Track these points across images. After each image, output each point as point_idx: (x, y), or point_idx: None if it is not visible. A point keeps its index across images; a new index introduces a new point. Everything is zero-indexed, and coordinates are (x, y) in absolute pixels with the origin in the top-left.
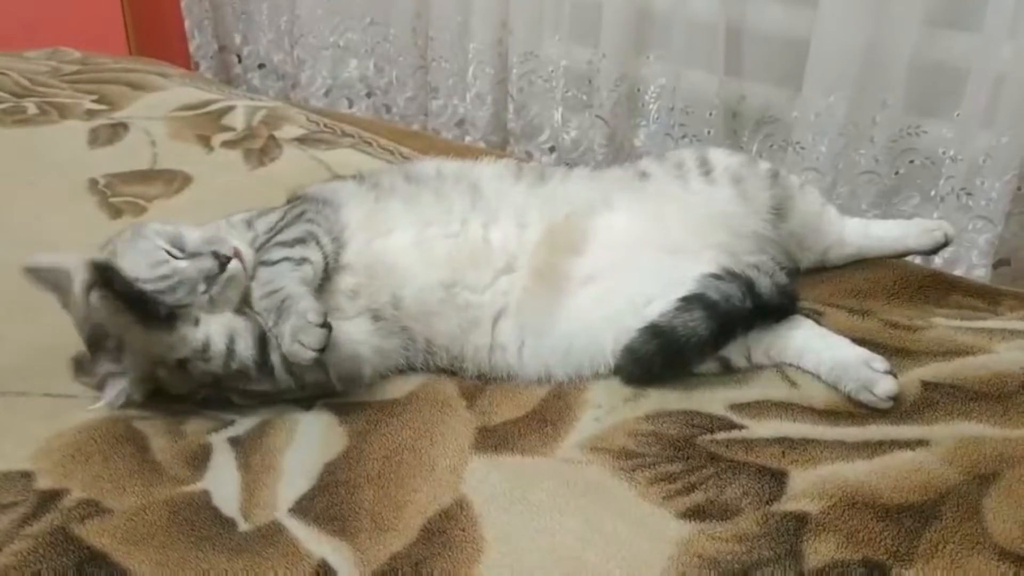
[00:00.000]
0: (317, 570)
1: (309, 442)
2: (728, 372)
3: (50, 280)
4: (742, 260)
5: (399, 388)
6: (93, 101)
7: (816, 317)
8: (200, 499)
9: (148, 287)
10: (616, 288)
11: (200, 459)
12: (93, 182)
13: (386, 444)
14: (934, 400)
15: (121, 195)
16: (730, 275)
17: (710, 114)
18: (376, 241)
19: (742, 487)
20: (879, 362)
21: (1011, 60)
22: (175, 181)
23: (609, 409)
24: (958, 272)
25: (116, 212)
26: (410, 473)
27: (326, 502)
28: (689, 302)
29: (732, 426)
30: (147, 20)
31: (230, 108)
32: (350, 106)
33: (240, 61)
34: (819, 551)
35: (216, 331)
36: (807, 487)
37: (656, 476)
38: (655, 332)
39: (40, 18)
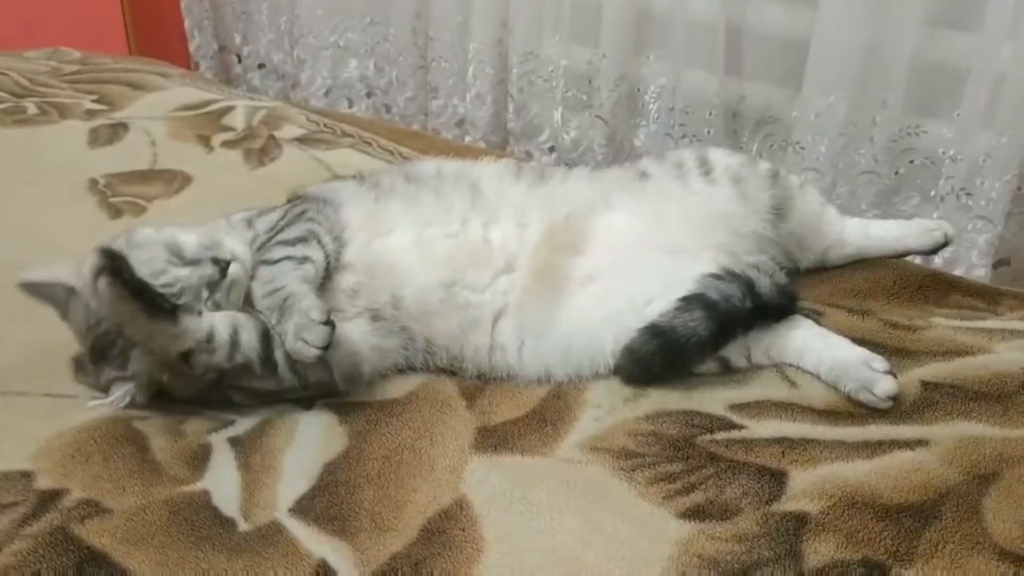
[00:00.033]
0: (317, 570)
1: (309, 442)
2: (728, 372)
3: (46, 294)
4: (742, 260)
5: (399, 388)
6: (93, 101)
7: (816, 317)
8: (200, 499)
9: None
10: (616, 288)
11: (200, 459)
12: (93, 182)
13: (386, 444)
14: (934, 400)
15: (121, 195)
16: (730, 275)
17: (710, 114)
18: (376, 241)
19: (742, 487)
20: (879, 362)
21: (1011, 60)
22: (175, 181)
23: (609, 409)
24: (958, 272)
25: (116, 212)
26: (410, 473)
27: (326, 502)
28: (689, 302)
29: (732, 426)
30: (147, 20)
31: (230, 108)
32: (350, 106)
33: (240, 61)
34: (819, 551)
35: (220, 321)
36: (807, 487)
37: (656, 476)
38: (655, 332)
39: (40, 18)
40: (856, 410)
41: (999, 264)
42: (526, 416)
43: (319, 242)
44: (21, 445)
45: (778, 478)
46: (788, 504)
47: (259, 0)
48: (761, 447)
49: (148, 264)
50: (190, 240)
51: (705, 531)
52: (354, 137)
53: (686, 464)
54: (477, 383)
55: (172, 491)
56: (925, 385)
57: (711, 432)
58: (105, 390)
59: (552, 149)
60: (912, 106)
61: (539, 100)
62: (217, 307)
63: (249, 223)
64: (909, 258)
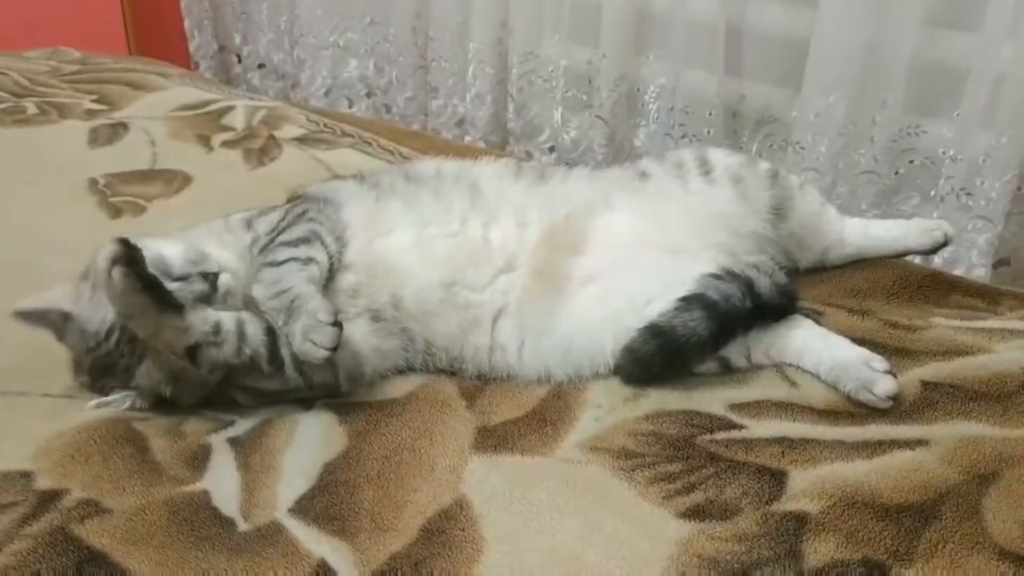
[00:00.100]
0: (317, 570)
1: (309, 442)
2: (728, 372)
3: (41, 320)
4: (742, 260)
5: (399, 388)
6: (93, 101)
7: (816, 317)
8: (200, 499)
9: None
10: (616, 288)
11: (200, 459)
12: (93, 182)
13: (386, 444)
14: (934, 400)
15: (121, 195)
16: (730, 275)
17: (710, 114)
18: (376, 241)
19: (742, 487)
20: (879, 362)
21: (1011, 60)
22: (175, 181)
23: (609, 409)
24: (958, 272)
25: (116, 212)
26: (410, 473)
27: (326, 502)
28: (689, 302)
29: (732, 426)
30: (147, 20)
31: (230, 108)
32: (350, 106)
33: (240, 61)
34: (819, 551)
35: (225, 315)
36: (807, 487)
37: (656, 476)
38: (655, 332)
39: (40, 18)
40: (856, 410)
41: (999, 264)
42: (526, 416)
43: (322, 243)
44: (21, 445)
45: (778, 478)
46: (788, 504)
47: (259, 0)
48: (761, 447)
49: None
50: (176, 255)
51: (705, 531)
52: (354, 137)
53: (686, 464)
54: (477, 383)
55: (172, 491)
56: (925, 385)
57: (711, 432)
58: (107, 393)
59: (552, 149)
60: (912, 106)
61: (539, 100)
62: None
63: (248, 224)
64: (909, 258)
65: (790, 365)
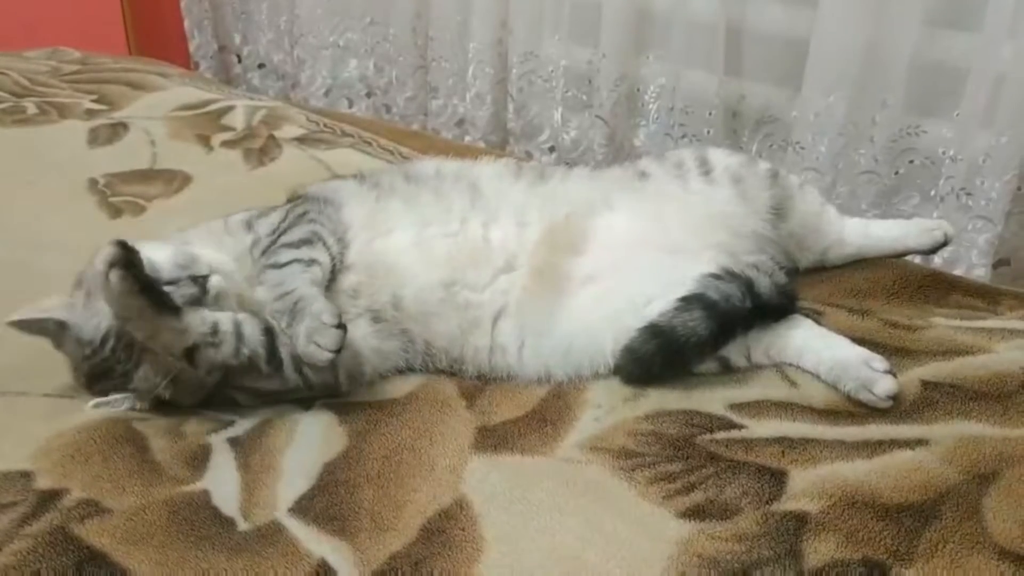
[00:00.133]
0: (317, 570)
1: (309, 442)
2: (728, 372)
3: (38, 330)
4: (742, 260)
5: (399, 388)
6: (93, 101)
7: (816, 317)
8: (200, 499)
9: None
10: (616, 288)
11: (200, 459)
12: (93, 182)
13: (386, 444)
14: (934, 399)
15: (121, 195)
16: (730, 275)
17: (710, 114)
18: (377, 241)
19: (742, 487)
20: (879, 361)
21: (1011, 60)
22: (175, 181)
23: (609, 409)
24: (958, 272)
25: (116, 212)
26: (410, 473)
27: (326, 502)
28: (689, 302)
29: (732, 426)
30: (147, 20)
31: (230, 108)
32: (350, 106)
33: (240, 61)
34: (819, 550)
35: (222, 315)
36: (807, 487)
37: (656, 476)
38: (655, 332)
39: (40, 18)
40: (856, 409)
41: (999, 264)
42: (526, 416)
43: (324, 244)
44: (21, 445)
45: (778, 478)
46: (788, 504)
47: (259, 0)
48: (761, 447)
49: None
50: (164, 259)
51: (705, 531)
52: (354, 137)
53: (686, 464)
54: (477, 383)
55: (172, 491)
56: (925, 385)
57: (711, 432)
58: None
59: (552, 149)
60: (912, 106)
61: (539, 100)
62: None
63: (249, 225)
64: (909, 258)
65: (790, 365)
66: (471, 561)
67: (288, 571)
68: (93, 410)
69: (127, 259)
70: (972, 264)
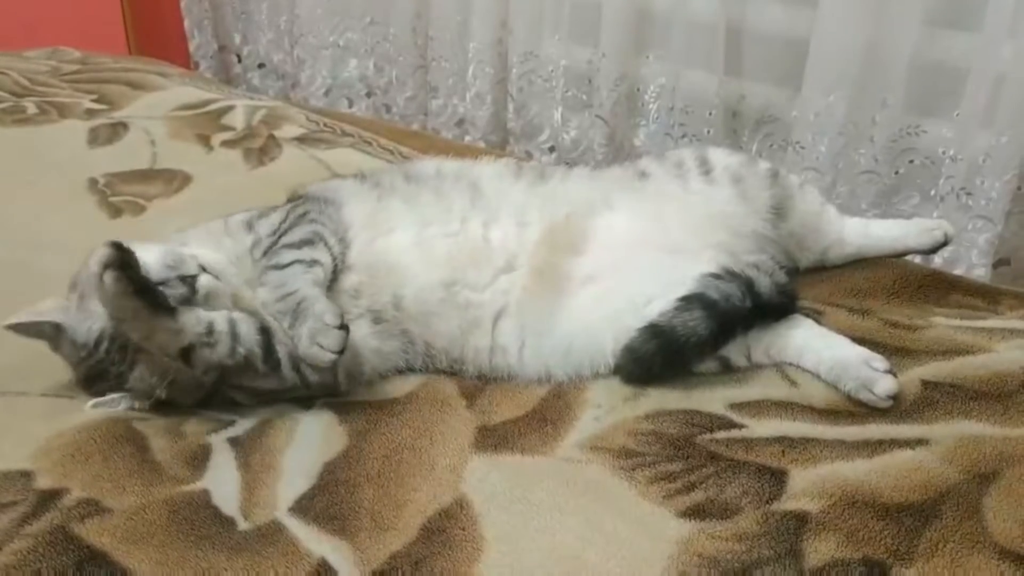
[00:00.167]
0: (317, 569)
1: (309, 441)
2: (728, 371)
3: (34, 333)
4: (742, 259)
5: (399, 387)
6: (93, 101)
7: (816, 316)
8: (200, 498)
9: None
10: (616, 288)
11: (200, 459)
12: (93, 181)
13: (386, 443)
14: (934, 399)
15: (121, 194)
16: (730, 274)
17: (710, 114)
18: (378, 240)
19: (742, 486)
20: (879, 361)
21: (1011, 60)
22: (175, 180)
23: (609, 408)
24: (958, 271)
25: (116, 211)
26: (410, 472)
27: (326, 501)
28: (689, 301)
29: (732, 425)
30: (147, 20)
31: (230, 108)
32: (350, 106)
33: (240, 61)
34: (819, 550)
35: (217, 315)
36: (807, 486)
37: (656, 475)
38: (655, 332)
39: (40, 18)
40: (856, 409)
41: (999, 264)
42: (526, 415)
43: (325, 244)
44: (21, 445)
45: (778, 477)
46: (788, 503)
47: (259, 0)
48: (761, 446)
49: None
50: (153, 260)
51: (705, 530)
52: (354, 137)
53: (686, 463)
54: (477, 383)
55: (172, 490)
56: (925, 384)
57: (711, 431)
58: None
59: (552, 149)
60: (912, 106)
61: (539, 100)
62: None
63: (249, 226)
64: (909, 257)
65: (790, 364)
66: (471, 560)
67: (288, 570)
68: (93, 410)
69: (122, 260)
70: (972, 264)
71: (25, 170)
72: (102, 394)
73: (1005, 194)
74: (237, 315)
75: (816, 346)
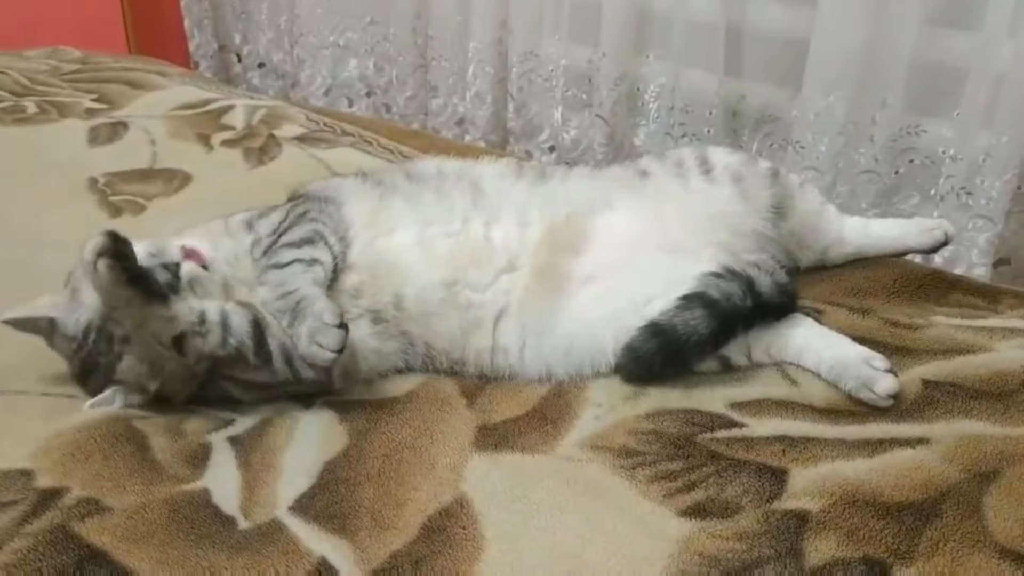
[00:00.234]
0: (317, 568)
1: (309, 440)
2: (728, 370)
3: (30, 328)
4: (742, 259)
5: (399, 386)
6: (93, 100)
7: (816, 315)
8: (200, 497)
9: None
10: (616, 287)
11: (200, 458)
12: (93, 181)
13: (386, 442)
14: (934, 398)
15: (121, 194)
16: (730, 273)
17: (710, 113)
18: (379, 240)
19: (742, 485)
20: (879, 360)
21: (1011, 60)
22: (175, 180)
23: (609, 407)
24: (958, 271)
25: (116, 211)
26: (410, 471)
27: (326, 500)
28: (689, 301)
29: (732, 424)
30: (147, 20)
31: (230, 107)
32: (350, 105)
33: (240, 60)
34: (820, 549)
35: (210, 305)
36: (807, 485)
37: (656, 474)
38: (655, 331)
39: (40, 18)
40: (857, 408)
41: (999, 263)
42: (526, 414)
43: (326, 243)
44: (21, 444)
45: (779, 476)
46: (789, 502)
47: (259, 0)
48: (762, 445)
49: None
50: (139, 251)
51: (706, 529)
52: (354, 136)
53: (687, 462)
54: (477, 382)
55: (172, 489)
56: (926, 383)
57: (712, 430)
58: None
59: (552, 148)
60: (912, 106)
61: (539, 99)
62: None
63: (249, 225)
64: (909, 257)
65: (791, 364)
66: (471, 559)
67: (289, 569)
68: (93, 409)
69: (115, 248)
70: (972, 263)
71: (25, 169)
72: (98, 389)
73: (1005, 193)
74: (230, 307)
75: (816, 345)
